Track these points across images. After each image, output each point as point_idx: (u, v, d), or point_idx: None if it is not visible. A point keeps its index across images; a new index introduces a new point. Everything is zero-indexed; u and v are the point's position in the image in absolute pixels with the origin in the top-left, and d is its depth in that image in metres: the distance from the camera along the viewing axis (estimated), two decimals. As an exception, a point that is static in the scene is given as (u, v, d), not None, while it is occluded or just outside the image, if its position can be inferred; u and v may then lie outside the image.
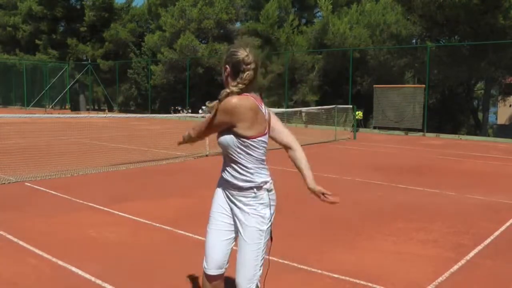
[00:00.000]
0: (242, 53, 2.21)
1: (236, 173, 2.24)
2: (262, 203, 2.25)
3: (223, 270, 2.36)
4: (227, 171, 2.28)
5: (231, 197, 2.30)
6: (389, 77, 21.73)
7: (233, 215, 2.32)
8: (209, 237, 2.37)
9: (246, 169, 2.23)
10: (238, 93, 2.18)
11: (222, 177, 2.34)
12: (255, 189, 2.24)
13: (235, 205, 2.29)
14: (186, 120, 23.53)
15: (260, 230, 2.24)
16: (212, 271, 2.34)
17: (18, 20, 34.94)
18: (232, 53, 2.24)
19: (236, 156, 2.22)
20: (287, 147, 2.39)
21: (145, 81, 30.91)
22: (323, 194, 2.33)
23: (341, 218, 5.16)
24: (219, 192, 2.38)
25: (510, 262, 3.84)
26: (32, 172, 7.32)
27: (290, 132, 2.40)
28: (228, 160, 2.27)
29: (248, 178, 2.23)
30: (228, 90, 2.19)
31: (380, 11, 24.10)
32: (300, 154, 2.36)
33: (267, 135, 2.27)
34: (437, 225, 4.90)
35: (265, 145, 2.26)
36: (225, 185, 2.31)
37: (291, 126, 19.93)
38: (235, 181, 2.25)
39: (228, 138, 2.20)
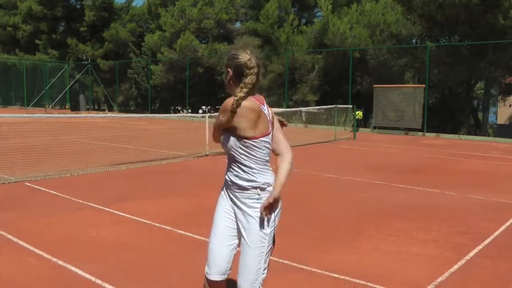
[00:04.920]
0: (244, 57, 2.20)
1: (240, 173, 2.24)
2: None
3: (225, 276, 2.34)
4: (231, 171, 2.27)
5: (235, 199, 2.28)
6: (389, 77, 21.73)
7: (237, 219, 2.30)
8: (213, 242, 2.33)
9: (249, 169, 2.22)
10: (244, 97, 2.17)
11: (226, 178, 2.33)
12: (258, 190, 2.23)
13: (239, 208, 2.27)
14: (186, 120, 23.53)
15: (264, 233, 2.23)
16: (215, 277, 2.31)
17: (18, 20, 34.91)
18: (233, 56, 2.23)
19: (239, 157, 2.22)
20: (277, 154, 2.36)
21: (145, 81, 30.91)
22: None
23: (341, 218, 5.16)
24: (224, 195, 2.37)
25: (510, 262, 3.84)
26: (32, 172, 7.31)
27: (287, 144, 2.35)
28: (232, 160, 2.26)
29: (251, 178, 2.22)
30: (236, 98, 2.16)
31: (380, 11, 24.09)
32: (284, 166, 2.28)
33: (270, 136, 2.26)
34: (437, 225, 4.90)
35: (268, 146, 2.25)
36: (230, 186, 2.30)
37: (291, 126, 19.95)
38: (239, 181, 2.24)
39: (231, 139, 2.20)
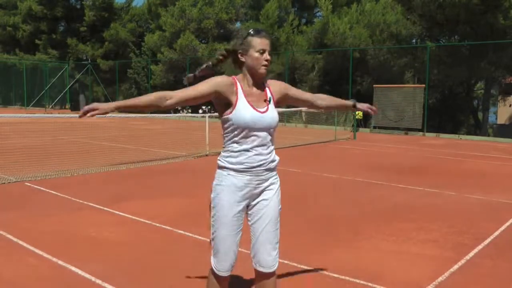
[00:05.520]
0: None
1: (273, 153, 2.37)
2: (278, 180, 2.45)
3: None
4: (262, 154, 2.30)
5: (260, 183, 2.32)
6: (389, 77, 21.72)
7: (255, 203, 2.35)
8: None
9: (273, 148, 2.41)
10: None
11: (253, 167, 2.28)
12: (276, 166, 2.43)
13: (264, 189, 2.34)
14: (186, 120, 23.54)
15: (280, 208, 2.43)
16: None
17: (18, 20, 34.94)
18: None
19: (273, 135, 2.37)
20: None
21: (145, 81, 30.92)
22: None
23: (341, 218, 5.16)
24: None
25: (510, 262, 3.84)
26: (32, 172, 7.31)
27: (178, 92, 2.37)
28: (265, 143, 2.32)
29: (275, 157, 2.41)
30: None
31: (380, 11, 24.07)
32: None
33: None
34: (437, 225, 4.90)
35: None
36: (259, 172, 2.29)
37: (291, 126, 19.94)
38: (272, 162, 2.35)
39: (276, 117, 2.36)
